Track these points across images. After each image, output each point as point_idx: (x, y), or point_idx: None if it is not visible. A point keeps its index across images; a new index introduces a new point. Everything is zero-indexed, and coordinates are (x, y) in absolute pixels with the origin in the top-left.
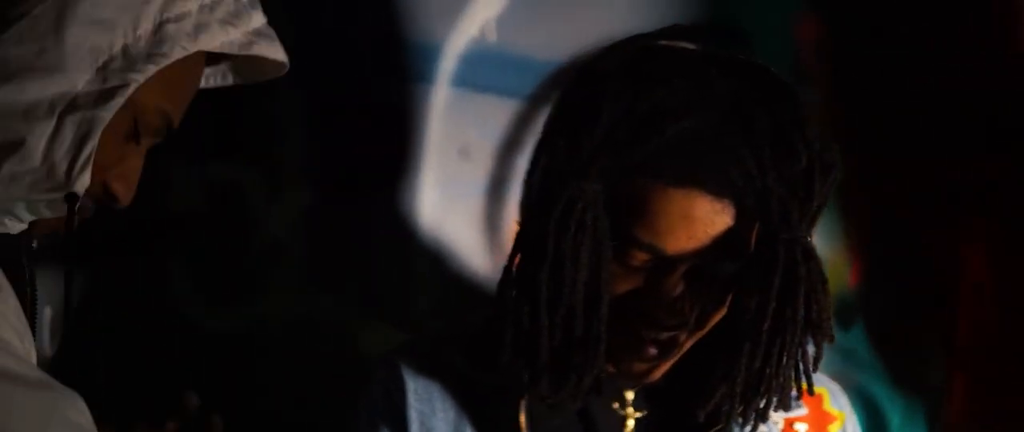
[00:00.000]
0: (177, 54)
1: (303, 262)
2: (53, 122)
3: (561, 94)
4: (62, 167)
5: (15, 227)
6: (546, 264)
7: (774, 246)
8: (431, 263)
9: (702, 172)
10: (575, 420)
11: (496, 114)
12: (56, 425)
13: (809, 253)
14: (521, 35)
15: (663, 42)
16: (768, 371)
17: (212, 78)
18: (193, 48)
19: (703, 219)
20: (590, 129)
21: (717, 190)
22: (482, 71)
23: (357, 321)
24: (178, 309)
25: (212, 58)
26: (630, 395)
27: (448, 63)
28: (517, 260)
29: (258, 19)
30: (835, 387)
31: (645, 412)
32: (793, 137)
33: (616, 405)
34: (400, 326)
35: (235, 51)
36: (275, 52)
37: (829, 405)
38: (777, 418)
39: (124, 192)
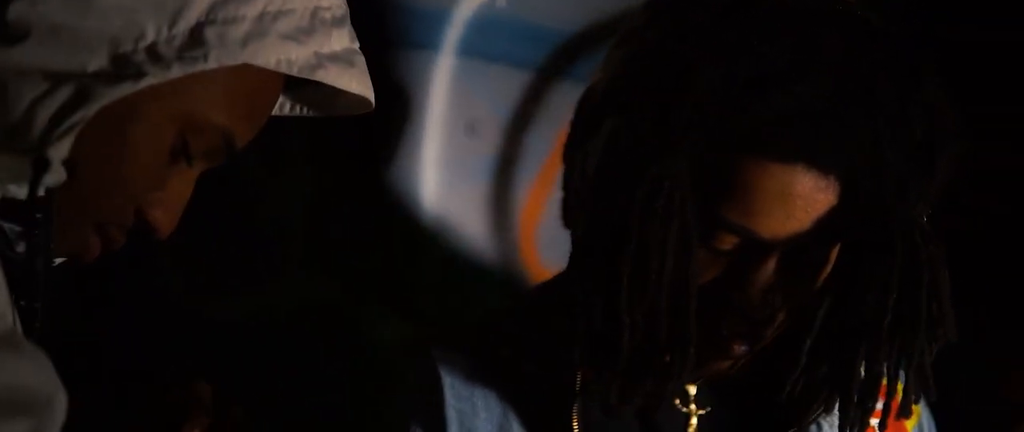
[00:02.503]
0: (214, 63)
1: (301, 245)
2: (46, 86)
3: (635, 49)
4: (40, 126)
5: (20, 192)
6: (628, 255)
7: (890, 229)
8: (435, 245)
9: (810, 145)
10: (631, 418)
11: (507, 86)
12: None
13: (929, 236)
14: (534, 1)
15: None
16: (886, 374)
17: (287, 105)
18: (238, 60)
19: (804, 197)
20: (680, 97)
21: (823, 165)
22: (492, 39)
23: (358, 305)
24: (173, 297)
25: (295, 80)
26: (692, 390)
27: (455, 30)
28: (584, 248)
29: (339, 41)
30: None
31: (709, 409)
32: (911, 102)
33: (677, 401)
34: (402, 310)
35: (294, 73)
36: (349, 82)
37: None
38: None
39: (165, 221)
